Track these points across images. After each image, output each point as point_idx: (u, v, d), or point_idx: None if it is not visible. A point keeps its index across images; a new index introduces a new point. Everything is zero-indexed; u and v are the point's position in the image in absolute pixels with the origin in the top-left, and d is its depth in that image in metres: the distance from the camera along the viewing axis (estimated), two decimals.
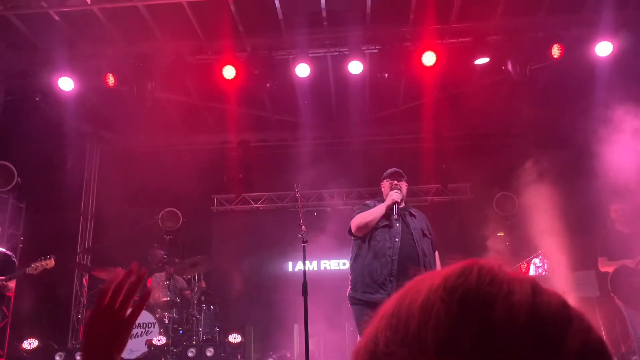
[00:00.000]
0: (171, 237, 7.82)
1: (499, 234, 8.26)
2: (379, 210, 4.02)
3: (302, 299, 4.36)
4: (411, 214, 4.16)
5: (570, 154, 7.34)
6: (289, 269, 9.22)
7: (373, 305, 3.66)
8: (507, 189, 8.33)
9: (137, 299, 1.03)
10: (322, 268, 9.10)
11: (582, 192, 7.65)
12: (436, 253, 4.22)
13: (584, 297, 6.19)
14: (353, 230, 4.09)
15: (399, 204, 3.98)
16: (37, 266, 5.31)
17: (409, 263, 3.80)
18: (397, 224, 3.98)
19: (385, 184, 4.27)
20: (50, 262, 5.37)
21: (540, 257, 6.94)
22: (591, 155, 6.01)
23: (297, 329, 8.12)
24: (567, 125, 7.61)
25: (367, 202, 4.26)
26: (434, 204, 9.15)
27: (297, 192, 4.96)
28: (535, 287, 0.52)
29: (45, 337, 6.86)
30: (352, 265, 4.11)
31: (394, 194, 4.02)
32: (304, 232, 4.56)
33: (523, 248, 7.35)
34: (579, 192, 7.68)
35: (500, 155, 8.45)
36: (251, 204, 9.44)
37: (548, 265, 6.82)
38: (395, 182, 4.19)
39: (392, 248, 3.87)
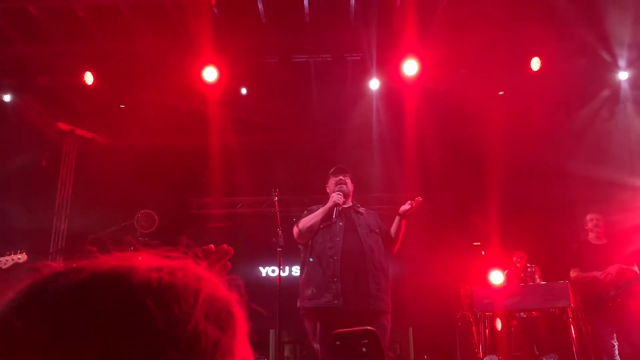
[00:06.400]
0: (147, 239, 7.71)
1: (475, 244, 8.32)
2: (319, 214, 3.89)
3: (276, 304, 4.31)
4: (358, 212, 4.01)
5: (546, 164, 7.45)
6: (262, 275, 9.18)
7: (322, 311, 3.59)
8: (484, 199, 8.40)
9: None
10: (294, 274, 9.07)
11: (556, 203, 7.76)
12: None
13: (557, 307, 6.26)
14: (295, 236, 3.95)
15: (339, 206, 3.85)
16: (6, 260, 5.05)
17: (354, 261, 3.67)
18: (340, 223, 3.83)
19: (331, 183, 4.12)
20: (23, 257, 5.10)
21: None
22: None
23: (273, 335, 8.05)
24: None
25: (312, 207, 4.11)
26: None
27: (275, 196, 4.92)
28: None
29: None
30: (300, 274, 3.97)
31: (335, 195, 3.88)
32: (281, 236, 4.52)
33: (498, 258, 7.41)
34: (552, 203, 7.78)
35: (478, 166, 8.52)
36: (229, 208, 9.37)
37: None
38: (341, 177, 4.05)
39: (333, 248, 3.72)
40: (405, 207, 3.94)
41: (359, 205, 4.14)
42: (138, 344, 0.45)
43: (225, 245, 1.01)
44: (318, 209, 4.00)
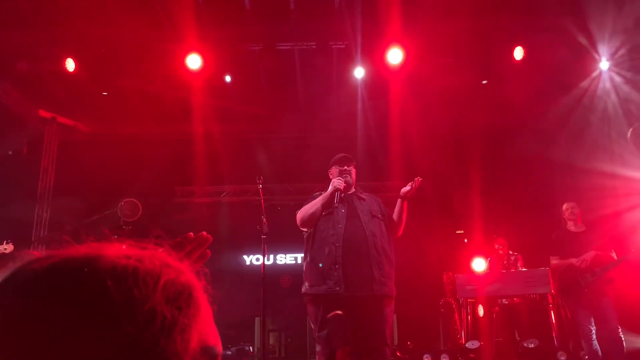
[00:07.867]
0: (130, 227, 7.66)
1: (458, 232, 8.41)
2: (320, 200, 3.90)
3: (260, 292, 4.33)
4: (360, 198, 4.01)
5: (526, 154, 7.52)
6: (246, 263, 9.21)
7: (323, 298, 3.62)
8: (467, 188, 8.48)
9: None
10: (278, 262, 9.11)
11: (538, 191, 7.86)
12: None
13: (538, 293, 6.39)
14: (298, 224, 3.97)
15: (341, 191, 3.84)
16: None
17: (356, 247, 3.69)
18: (342, 210, 3.84)
19: (334, 171, 4.12)
20: (10, 247, 5.05)
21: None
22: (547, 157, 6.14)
23: (258, 323, 8.08)
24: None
25: (315, 194, 4.11)
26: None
27: (260, 184, 4.91)
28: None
29: None
30: (303, 261, 3.99)
31: (335, 181, 3.88)
32: (265, 224, 4.53)
33: (481, 245, 7.50)
34: (535, 191, 7.88)
35: (462, 154, 8.59)
36: (213, 196, 9.34)
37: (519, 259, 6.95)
38: (345, 167, 4.07)
39: (335, 235, 3.73)
40: (406, 188, 3.99)
41: (361, 191, 4.14)
42: (95, 317, 0.52)
43: (204, 233, 1.02)
44: (320, 195, 4.01)
